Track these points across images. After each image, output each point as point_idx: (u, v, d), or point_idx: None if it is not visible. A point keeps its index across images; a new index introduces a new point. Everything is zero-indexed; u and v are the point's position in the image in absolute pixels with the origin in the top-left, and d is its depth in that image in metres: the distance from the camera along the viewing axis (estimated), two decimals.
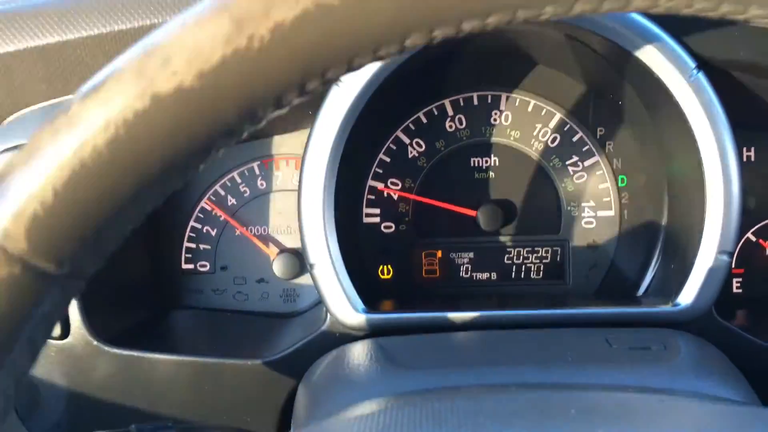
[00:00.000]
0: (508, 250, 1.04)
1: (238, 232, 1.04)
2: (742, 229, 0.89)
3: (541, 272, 1.04)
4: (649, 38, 0.81)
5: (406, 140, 1.03)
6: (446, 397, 0.57)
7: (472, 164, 1.04)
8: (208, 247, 1.04)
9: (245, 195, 1.04)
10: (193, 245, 1.04)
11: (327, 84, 0.34)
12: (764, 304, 1.01)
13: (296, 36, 0.32)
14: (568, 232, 1.04)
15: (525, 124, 1.03)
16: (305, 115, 0.90)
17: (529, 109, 1.03)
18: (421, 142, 1.03)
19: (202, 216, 1.04)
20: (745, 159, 1.00)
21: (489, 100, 1.03)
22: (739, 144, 0.84)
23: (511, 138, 1.03)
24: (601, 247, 1.03)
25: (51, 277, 0.34)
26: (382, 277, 1.04)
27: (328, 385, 0.75)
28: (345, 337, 0.86)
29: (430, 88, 1.02)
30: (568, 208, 1.03)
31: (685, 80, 0.81)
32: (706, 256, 0.83)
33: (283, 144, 1.03)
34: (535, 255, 1.04)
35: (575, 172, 1.03)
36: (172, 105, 0.32)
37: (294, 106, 0.35)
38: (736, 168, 0.83)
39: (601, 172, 1.03)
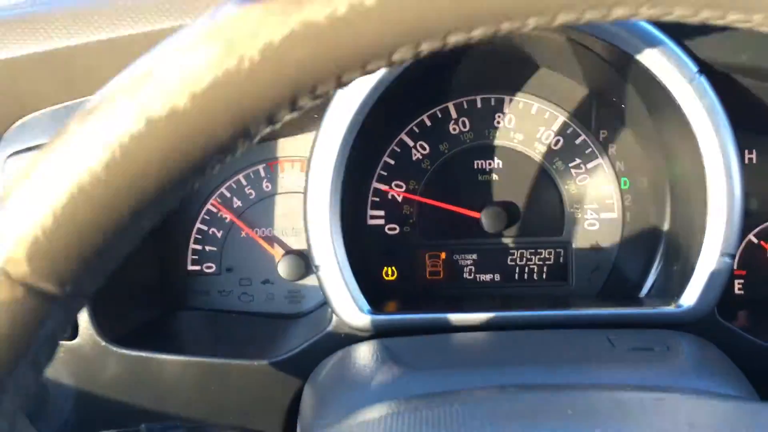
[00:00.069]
0: (512, 251, 1.05)
1: (243, 234, 1.05)
2: (744, 231, 0.89)
3: (544, 274, 1.04)
4: (652, 42, 0.82)
5: (410, 143, 1.04)
6: (445, 401, 0.57)
7: (475, 167, 1.04)
8: (214, 248, 1.05)
9: (251, 197, 1.05)
10: (199, 247, 1.05)
11: (317, 99, 0.35)
12: (766, 306, 1.02)
13: (285, 55, 0.33)
14: (571, 234, 1.04)
15: (528, 126, 1.04)
16: (310, 118, 0.91)
17: (532, 112, 1.04)
18: (425, 145, 1.04)
19: (208, 218, 1.05)
20: (746, 161, 1.01)
21: (492, 103, 1.04)
22: (741, 146, 0.84)
23: (515, 141, 1.04)
24: (604, 249, 1.04)
25: (53, 298, 0.35)
26: (386, 278, 1.05)
27: (333, 385, 0.75)
28: (350, 337, 0.87)
29: (434, 91, 1.03)
30: (571, 210, 1.04)
31: (687, 84, 0.82)
32: (709, 258, 0.84)
33: (288, 146, 1.04)
34: (538, 257, 1.04)
35: (578, 174, 1.04)
36: (167, 127, 0.33)
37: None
38: (738, 170, 0.84)
39: (603, 174, 1.04)
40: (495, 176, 1.05)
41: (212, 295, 1.05)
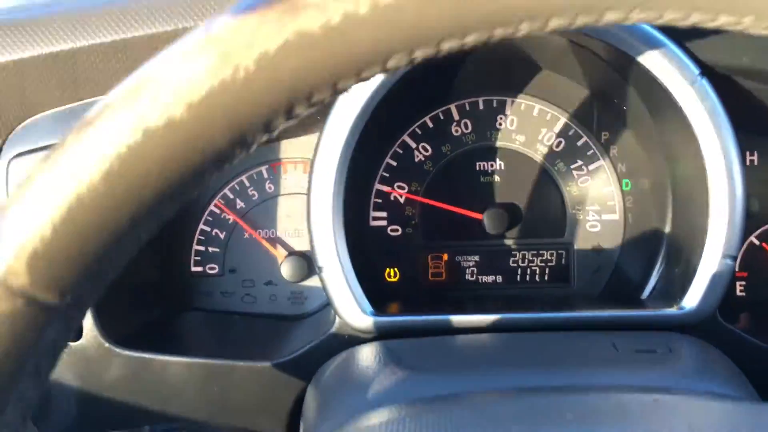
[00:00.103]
0: (513, 253, 1.05)
1: (246, 235, 1.05)
2: (746, 233, 0.90)
3: (546, 275, 1.05)
4: (654, 45, 0.82)
5: (413, 144, 1.04)
6: (445, 405, 0.58)
7: (477, 168, 1.05)
8: (217, 250, 1.05)
9: (254, 198, 1.05)
10: (202, 248, 1.05)
11: (314, 107, 0.36)
12: (767, 307, 1.02)
13: (280, 65, 0.33)
14: (573, 235, 1.05)
15: (530, 128, 1.04)
16: (313, 119, 0.91)
17: (534, 113, 1.04)
18: (428, 147, 1.04)
19: (211, 219, 1.05)
20: (748, 163, 1.01)
21: (494, 105, 1.04)
22: (743, 148, 0.85)
23: (517, 142, 1.04)
24: (606, 250, 1.04)
25: (53, 308, 0.35)
26: (388, 279, 1.05)
27: (337, 387, 0.76)
28: (353, 339, 0.87)
29: (436, 93, 1.03)
30: (573, 211, 1.04)
31: (689, 86, 0.82)
32: (710, 260, 0.84)
33: (291, 148, 1.04)
34: (540, 258, 1.05)
35: (580, 176, 1.04)
36: (164, 137, 0.34)
37: None
38: (740, 172, 0.84)
39: (605, 176, 1.04)
40: (497, 178, 1.05)
41: (215, 296, 1.06)
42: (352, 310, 0.87)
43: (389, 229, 1.05)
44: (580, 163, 1.04)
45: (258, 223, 1.05)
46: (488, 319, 0.87)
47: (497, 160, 1.05)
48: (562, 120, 1.03)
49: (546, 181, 1.04)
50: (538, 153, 1.04)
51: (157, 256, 1.03)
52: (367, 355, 0.80)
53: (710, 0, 0.34)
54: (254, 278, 1.06)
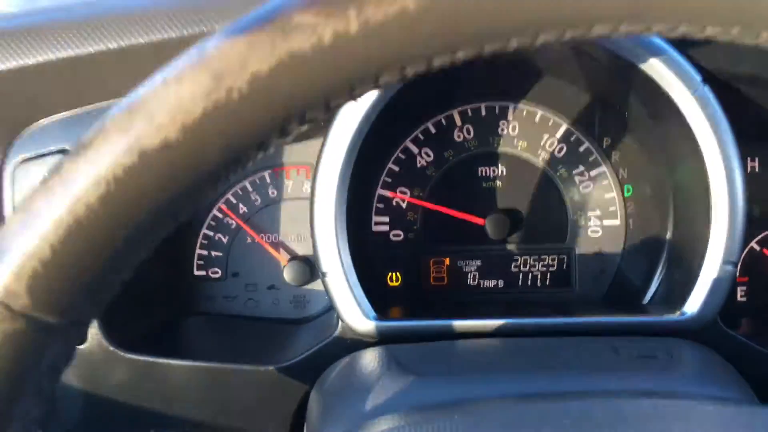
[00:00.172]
0: (515, 258, 1.05)
1: (249, 240, 1.06)
2: (747, 239, 0.90)
3: (548, 280, 1.05)
4: (656, 52, 0.83)
5: (415, 150, 1.05)
6: (446, 414, 0.58)
7: (479, 174, 1.05)
8: (219, 254, 1.06)
9: (256, 203, 1.06)
10: (205, 252, 1.06)
11: (307, 125, 0.36)
12: None
13: (273, 85, 0.34)
14: (575, 240, 1.05)
15: (532, 134, 1.04)
16: (316, 125, 0.91)
17: (536, 119, 1.04)
18: (430, 152, 1.05)
19: (214, 224, 1.06)
20: (749, 169, 1.02)
21: (497, 111, 1.05)
22: (744, 155, 0.85)
23: (519, 148, 1.05)
24: (607, 255, 1.05)
25: (54, 328, 0.36)
26: (390, 284, 1.06)
27: (340, 392, 0.76)
28: (356, 343, 0.88)
29: (439, 99, 1.03)
30: (575, 217, 1.05)
31: (691, 94, 0.82)
32: (711, 267, 0.85)
33: (294, 153, 1.05)
34: (541, 263, 1.05)
35: (581, 181, 1.05)
36: (159, 158, 0.34)
37: None
38: (740, 179, 0.84)
39: (607, 181, 1.04)
40: (499, 183, 1.05)
41: (218, 300, 1.06)
42: (355, 315, 0.87)
43: (391, 233, 1.05)
44: (581, 168, 1.04)
45: (261, 228, 1.06)
46: (490, 324, 0.87)
47: (499, 165, 1.05)
48: (564, 126, 1.04)
49: (548, 187, 1.05)
50: (540, 159, 1.05)
51: (161, 260, 1.03)
52: (369, 359, 0.80)
53: (696, 13, 0.35)
54: (257, 282, 1.06)
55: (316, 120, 0.36)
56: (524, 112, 1.04)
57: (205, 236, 1.06)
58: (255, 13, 0.34)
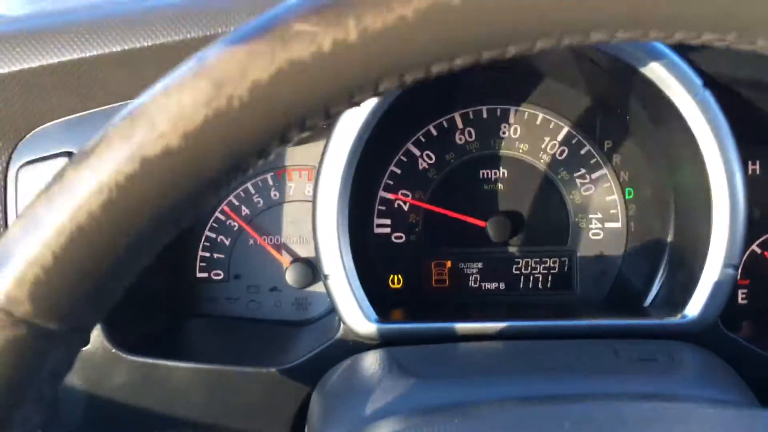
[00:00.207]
0: (517, 260, 1.06)
1: (251, 242, 1.06)
2: (748, 242, 0.90)
3: (549, 283, 1.05)
4: (657, 56, 0.83)
5: (417, 152, 1.05)
6: (446, 417, 0.58)
7: (481, 176, 1.05)
8: (222, 256, 1.06)
9: (259, 205, 1.06)
10: (207, 254, 1.06)
11: (307, 131, 0.37)
12: None
13: (273, 93, 0.34)
14: (576, 243, 1.05)
15: (533, 137, 1.05)
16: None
17: (538, 122, 1.05)
18: (432, 155, 1.05)
19: (216, 226, 1.06)
20: (750, 173, 1.02)
21: (498, 114, 1.05)
22: (745, 158, 0.85)
23: (520, 150, 1.05)
24: (608, 258, 1.05)
25: (55, 334, 0.36)
26: (392, 286, 1.06)
27: (342, 394, 0.76)
28: (357, 345, 0.88)
29: (441, 101, 1.04)
30: (576, 219, 1.05)
31: (692, 98, 0.83)
32: (712, 270, 0.85)
33: (296, 155, 1.05)
34: (543, 266, 1.05)
35: (583, 184, 1.05)
36: (161, 166, 0.35)
37: None
38: (742, 182, 0.84)
39: (608, 184, 1.05)
40: (500, 186, 1.06)
41: (220, 302, 1.06)
42: (357, 317, 0.87)
43: (393, 236, 1.06)
44: (582, 171, 1.05)
45: (263, 230, 1.06)
46: (491, 327, 0.87)
47: (500, 168, 1.05)
48: (565, 129, 1.04)
49: (549, 189, 1.05)
50: (541, 161, 1.05)
51: (163, 262, 1.03)
52: (371, 362, 0.80)
53: (692, 20, 0.35)
54: (259, 284, 1.06)
55: (316, 127, 0.36)
56: (525, 115, 1.05)
57: (208, 238, 1.06)
58: (255, 21, 0.35)
